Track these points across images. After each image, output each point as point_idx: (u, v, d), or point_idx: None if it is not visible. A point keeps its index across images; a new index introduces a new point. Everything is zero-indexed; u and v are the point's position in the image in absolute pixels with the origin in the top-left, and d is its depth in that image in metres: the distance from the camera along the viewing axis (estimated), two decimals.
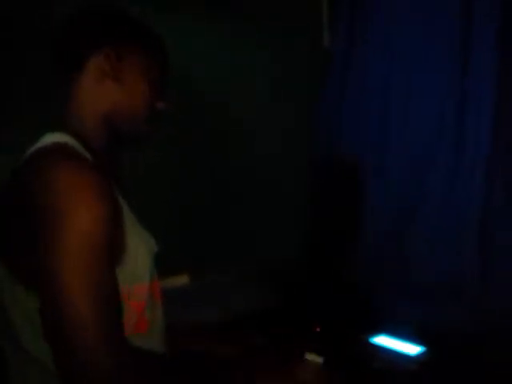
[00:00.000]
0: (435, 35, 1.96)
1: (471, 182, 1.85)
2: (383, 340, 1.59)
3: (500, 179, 1.79)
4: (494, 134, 1.82)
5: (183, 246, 1.92)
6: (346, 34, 2.20)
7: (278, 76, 2.23)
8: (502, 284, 1.74)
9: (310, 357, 1.51)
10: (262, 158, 2.20)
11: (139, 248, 1.04)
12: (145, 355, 1.03)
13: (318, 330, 1.66)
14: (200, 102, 2.03)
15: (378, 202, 2.08)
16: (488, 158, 1.82)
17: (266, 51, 2.20)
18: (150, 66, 1.13)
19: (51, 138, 1.03)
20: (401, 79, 2.05)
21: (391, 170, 2.06)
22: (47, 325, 0.92)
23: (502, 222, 1.77)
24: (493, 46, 1.81)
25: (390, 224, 2.03)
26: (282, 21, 2.17)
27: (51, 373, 0.95)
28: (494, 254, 1.76)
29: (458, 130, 1.88)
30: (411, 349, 1.53)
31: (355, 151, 2.15)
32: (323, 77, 2.28)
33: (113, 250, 0.97)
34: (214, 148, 2.13)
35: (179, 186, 2.02)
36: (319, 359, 1.49)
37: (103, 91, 1.09)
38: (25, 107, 1.63)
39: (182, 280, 1.93)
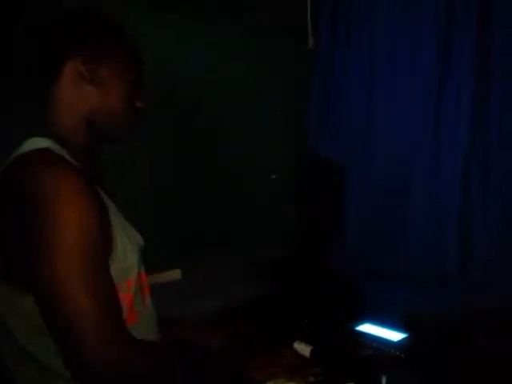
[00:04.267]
0: (416, 36, 1.99)
1: (450, 185, 1.90)
2: (368, 328, 1.64)
3: (477, 180, 1.84)
4: (471, 137, 1.86)
5: (175, 241, 1.97)
6: (328, 36, 2.24)
7: (266, 76, 2.27)
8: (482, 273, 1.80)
9: (299, 345, 1.57)
10: (252, 156, 2.24)
11: (127, 245, 1.06)
12: (144, 343, 1.06)
13: (306, 320, 1.71)
14: (185, 100, 2.08)
15: (365, 195, 2.12)
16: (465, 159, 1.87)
17: (256, 52, 2.26)
18: (126, 66, 1.13)
19: (33, 144, 1.03)
20: (382, 81, 2.09)
21: (378, 161, 2.11)
22: (50, 322, 0.94)
23: (480, 215, 1.82)
24: (472, 50, 1.84)
25: (375, 215, 2.07)
26: (269, 24, 2.22)
27: (49, 370, 0.98)
28: (472, 243, 1.82)
29: (436, 133, 1.93)
30: (394, 335, 1.58)
31: (341, 150, 2.20)
32: (310, 77, 2.33)
33: (103, 248, 1.00)
34: (208, 145, 2.17)
35: (173, 183, 2.07)
36: (307, 348, 1.56)
37: (82, 95, 1.09)
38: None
39: (174, 275, 1.98)
